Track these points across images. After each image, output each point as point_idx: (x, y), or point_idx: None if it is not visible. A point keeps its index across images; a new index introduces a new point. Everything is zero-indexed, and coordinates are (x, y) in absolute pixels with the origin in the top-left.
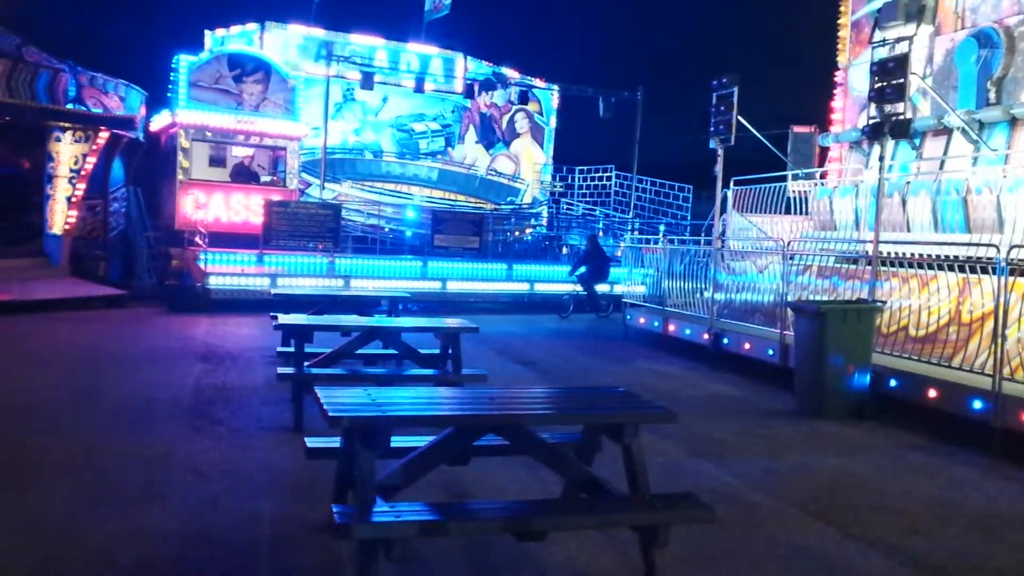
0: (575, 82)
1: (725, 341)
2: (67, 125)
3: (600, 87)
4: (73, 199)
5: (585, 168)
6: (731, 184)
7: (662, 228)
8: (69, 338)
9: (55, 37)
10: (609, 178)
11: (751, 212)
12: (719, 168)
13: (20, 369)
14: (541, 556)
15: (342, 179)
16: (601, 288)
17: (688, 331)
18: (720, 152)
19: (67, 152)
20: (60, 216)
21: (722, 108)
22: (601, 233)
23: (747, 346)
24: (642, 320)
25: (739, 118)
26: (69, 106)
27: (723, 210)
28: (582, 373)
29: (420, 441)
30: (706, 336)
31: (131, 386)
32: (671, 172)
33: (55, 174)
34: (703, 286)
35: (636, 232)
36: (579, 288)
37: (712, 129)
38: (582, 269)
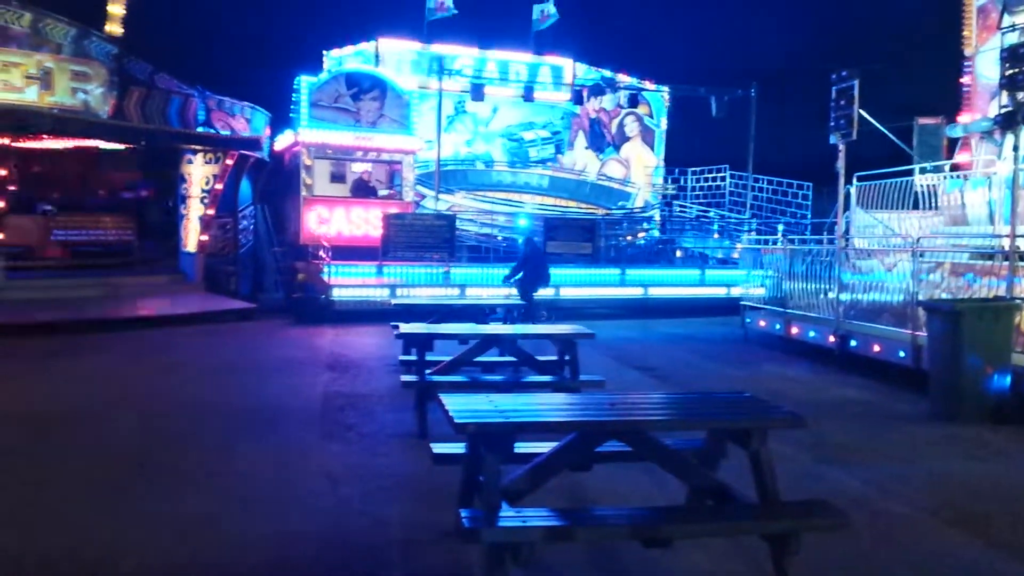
0: (686, 82)
1: (852, 343)
2: (198, 148)
3: (712, 86)
4: (205, 218)
5: (698, 169)
6: (854, 180)
7: (781, 228)
8: (206, 350)
9: (184, 64)
10: (723, 178)
11: (876, 208)
12: (841, 164)
13: (162, 379)
14: (666, 564)
15: (455, 190)
16: (542, 293)
17: (812, 333)
18: (841, 147)
19: (199, 173)
20: (194, 234)
21: (842, 102)
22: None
23: (876, 348)
24: (762, 323)
25: (861, 111)
26: (199, 129)
27: (846, 207)
28: (702, 378)
29: (541, 447)
30: (832, 338)
31: (265, 394)
32: (789, 170)
33: (188, 195)
34: (827, 286)
35: (753, 233)
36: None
37: (832, 124)
38: (519, 275)
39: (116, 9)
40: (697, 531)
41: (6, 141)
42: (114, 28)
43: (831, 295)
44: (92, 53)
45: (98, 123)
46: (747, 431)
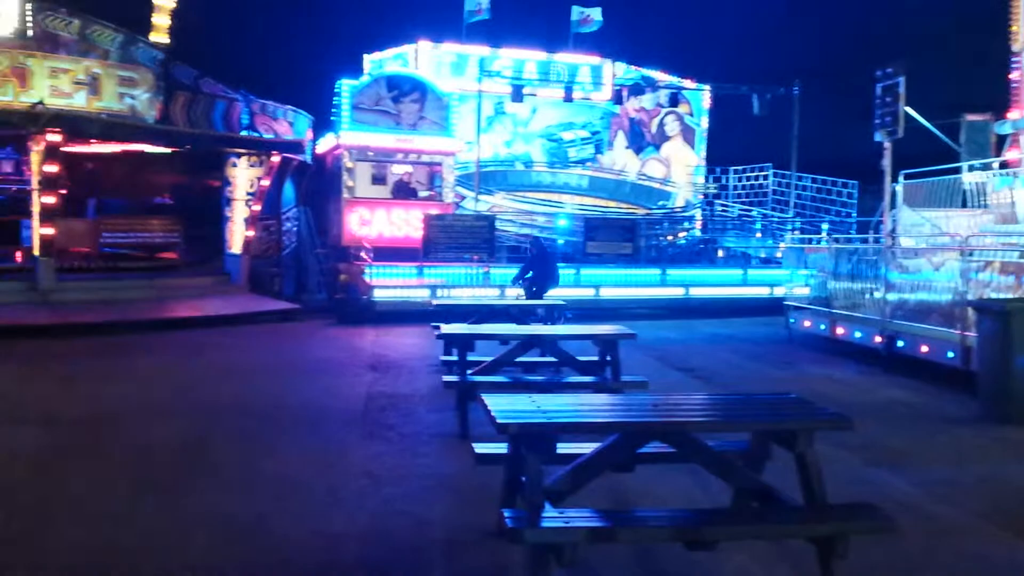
0: (728, 80)
1: (900, 344)
2: (242, 151)
3: (754, 83)
4: (250, 220)
5: (740, 168)
6: (900, 178)
7: (825, 227)
8: (250, 350)
9: (228, 68)
10: (766, 177)
11: (924, 207)
12: (887, 162)
13: (209, 379)
14: (710, 566)
15: (495, 190)
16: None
17: (858, 334)
18: (887, 145)
19: (243, 176)
20: (239, 237)
21: (887, 99)
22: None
23: (924, 348)
24: (807, 323)
25: (907, 108)
26: (243, 133)
27: (892, 206)
28: (746, 379)
29: (583, 448)
30: (878, 339)
31: (308, 394)
32: (833, 168)
33: (233, 197)
34: (873, 286)
35: (797, 232)
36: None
37: (878, 122)
38: (528, 275)
39: (161, 18)
40: (742, 533)
41: (56, 146)
42: (160, 35)
43: (877, 295)
44: (139, 59)
45: (145, 127)
46: (792, 433)
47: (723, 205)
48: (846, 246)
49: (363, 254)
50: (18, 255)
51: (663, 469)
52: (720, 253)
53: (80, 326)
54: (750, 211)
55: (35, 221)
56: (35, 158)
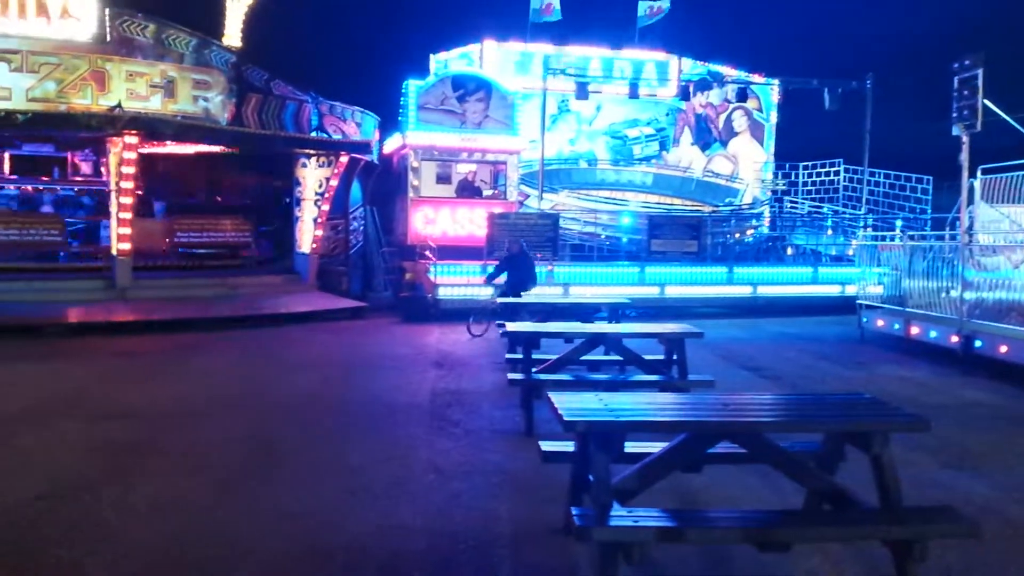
0: (797, 74)
1: (977, 344)
2: (311, 152)
3: (825, 77)
4: (319, 220)
5: (810, 164)
6: (978, 173)
7: (899, 224)
8: (319, 346)
9: (297, 70)
10: (837, 173)
11: (1003, 202)
12: (964, 156)
13: (279, 375)
14: (782, 568)
15: (559, 188)
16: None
17: (933, 333)
18: (965, 139)
19: (312, 177)
20: (308, 236)
21: (965, 92)
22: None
23: (1003, 349)
24: (880, 322)
25: (985, 101)
26: (313, 134)
27: (970, 201)
28: (816, 379)
29: (651, 447)
30: (954, 338)
31: (375, 390)
32: (907, 163)
33: (302, 197)
34: (949, 284)
35: (869, 229)
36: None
37: (955, 115)
38: (503, 275)
39: (233, 21)
40: (816, 535)
41: (133, 147)
42: (232, 39)
43: (954, 293)
44: (212, 62)
45: (218, 129)
46: (867, 434)
47: (792, 202)
48: (921, 243)
49: (428, 253)
50: (97, 254)
51: (734, 469)
52: (789, 251)
53: (155, 323)
54: (820, 208)
55: (113, 221)
56: (113, 160)
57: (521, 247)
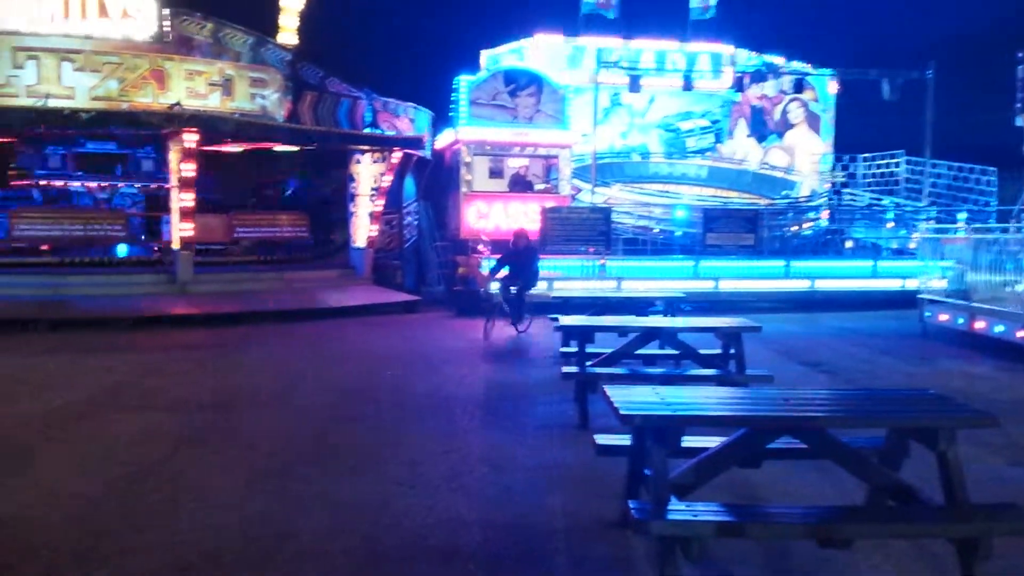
0: (855, 64)
1: None
2: (366, 148)
3: (884, 67)
4: (373, 215)
5: (870, 155)
6: None
7: (962, 216)
8: (374, 339)
9: (350, 67)
10: (898, 164)
11: None
12: None
13: (335, 367)
14: (843, 565)
15: (611, 182)
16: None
17: (999, 328)
18: None
19: (366, 172)
20: (363, 231)
21: None
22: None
23: None
24: (943, 317)
25: None
26: (367, 130)
27: None
28: (877, 374)
29: (707, 441)
30: (1021, 333)
31: (428, 382)
32: (971, 154)
33: (357, 193)
34: (1015, 278)
35: (932, 222)
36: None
37: (1019, 105)
38: (505, 270)
39: (289, 19)
40: (880, 532)
41: (192, 145)
42: (287, 37)
43: (1020, 287)
44: (268, 60)
45: (275, 126)
46: (933, 430)
47: (851, 194)
48: (986, 236)
49: (480, 247)
50: (157, 249)
51: (793, 465)
52: (848, 244)
53: (215, 316)
54: (880, 200)
55: (174, 217)
56: (173, 157)
57: (526, 241)
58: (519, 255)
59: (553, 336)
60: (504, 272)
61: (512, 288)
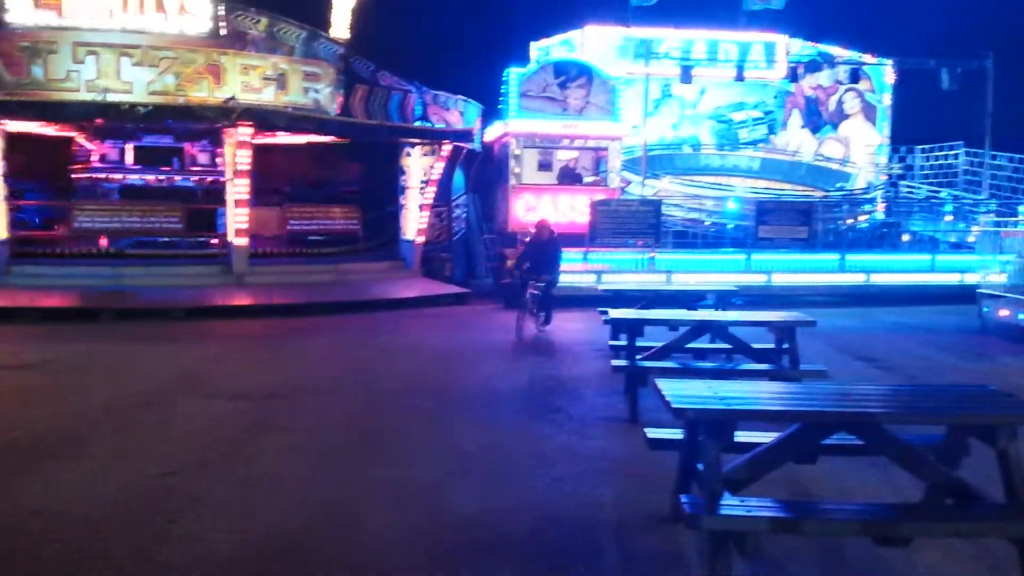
0: (913, 53)
1: None
2: (416, 141)
3: (943, 57)
4: (423, 207)
5: (927, 147)
6: None
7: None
8: (424, 331)
9: (401, 60)
10: (957, 156)
11: None
12: None
13: (387, 358)
14: (899, 564)
15: (661, 174)
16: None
17: None
18: None
19: (416, 165)
20: (413, 223)
21: None
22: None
23: None
24: (1003, 312)
25: None
26: (417, 123)
27: None
28: (934, 370)
29: (760, 437)
30: None
31: (478, 374)
32: None
33: (407, 185)
34: None
35: (992, 215)
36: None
37: None
38: (526, 264)
39: (341, 13)
40: (939, 530)
41: (247, 138)
42: (339, 31)
43: None
44: (321, 54)
45: (328, 120)
46: (993, 427)
47: (908, 186)
48: None
49: (528, 239)
50: (214, 241)
51: (847, 461)
52: (905, 237)
53: (270, 307)
54: (939, 193)
55: (229, 209)
56: (228, 150)
57: (550, 233)
58: (543, 248)
59: (599, 330)
60: (526, 266)
61: (538, 284)
